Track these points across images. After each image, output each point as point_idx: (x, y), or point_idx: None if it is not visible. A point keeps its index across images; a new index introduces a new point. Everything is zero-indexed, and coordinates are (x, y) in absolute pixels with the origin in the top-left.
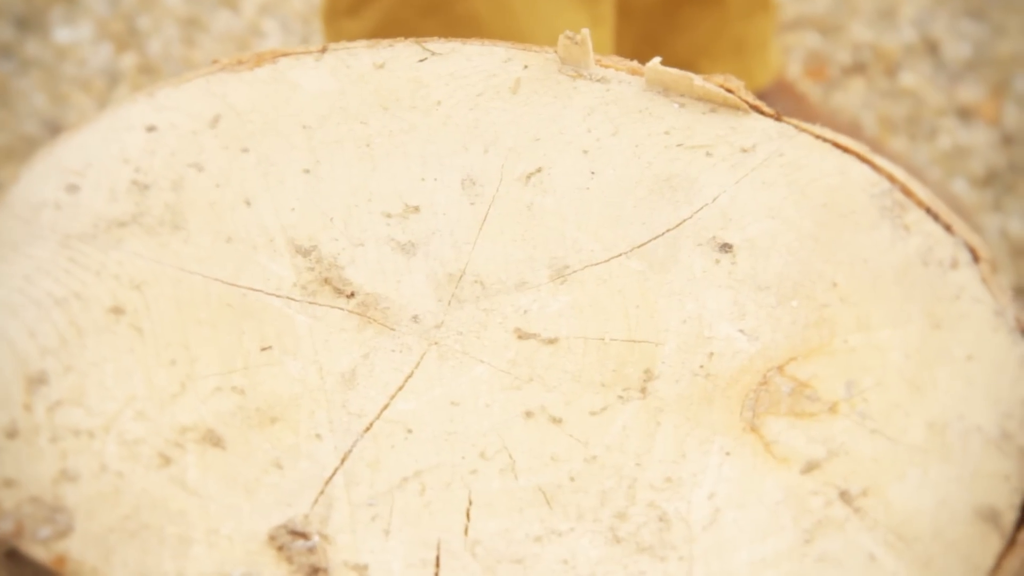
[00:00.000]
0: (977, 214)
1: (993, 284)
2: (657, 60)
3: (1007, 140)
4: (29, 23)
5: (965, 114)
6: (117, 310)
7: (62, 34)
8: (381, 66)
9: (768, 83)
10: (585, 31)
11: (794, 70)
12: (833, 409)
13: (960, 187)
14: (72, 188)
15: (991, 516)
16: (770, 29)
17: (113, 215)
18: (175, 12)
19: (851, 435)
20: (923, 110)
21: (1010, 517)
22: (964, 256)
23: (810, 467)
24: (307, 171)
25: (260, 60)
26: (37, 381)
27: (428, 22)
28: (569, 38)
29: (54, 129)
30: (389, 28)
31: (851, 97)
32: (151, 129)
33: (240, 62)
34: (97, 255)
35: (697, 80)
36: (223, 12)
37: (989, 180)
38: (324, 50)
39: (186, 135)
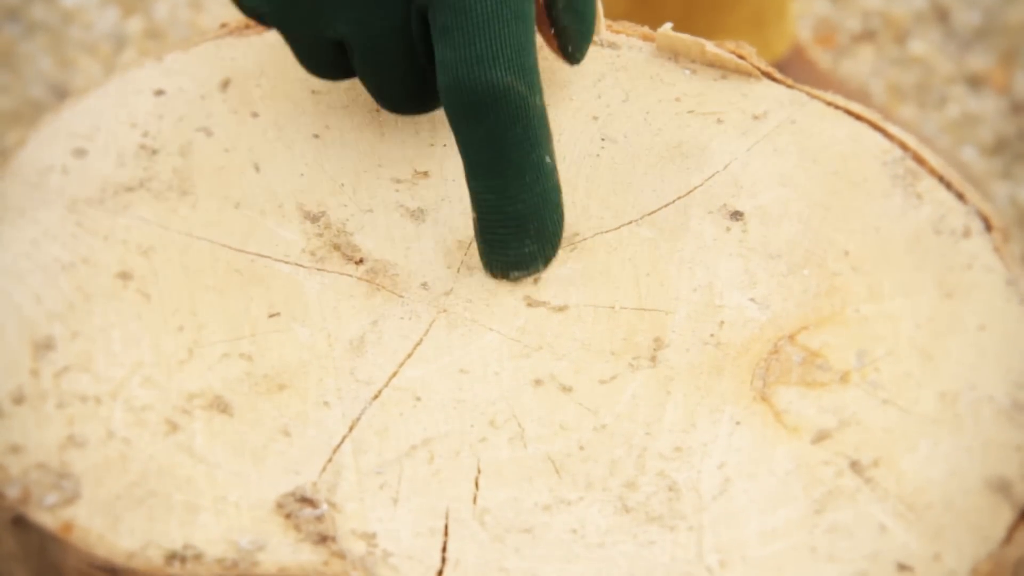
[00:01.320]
0: (987, 182)
1: (1006, 253)
2: (668, 26)
3: (1016, 108)
4: None
5: (975, 82)
6: (125, 275)
7: None
8: None
9: (785, 52)
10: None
11: (804, 37)
12: (844, 379)
13: (969, 155)
14: (80, 152)
15: (1002, 487)
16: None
17: (121, 180)
18: None
19: (862, 405)
20: (932, 78)
21: (1022, 488)
22: (977, 225)
23: (821, 437)
24: (316, 136)
25: (253, 28)
26: (44, 347)
27: None
28: None
29: (60, 93)
30: None
31: (860, 65)
32: (159, 93)
33: (249, 26)
34: (105, 220)
35: (708, 46)
36: None
37: (998, 148)
38: None
39: (195, 99)
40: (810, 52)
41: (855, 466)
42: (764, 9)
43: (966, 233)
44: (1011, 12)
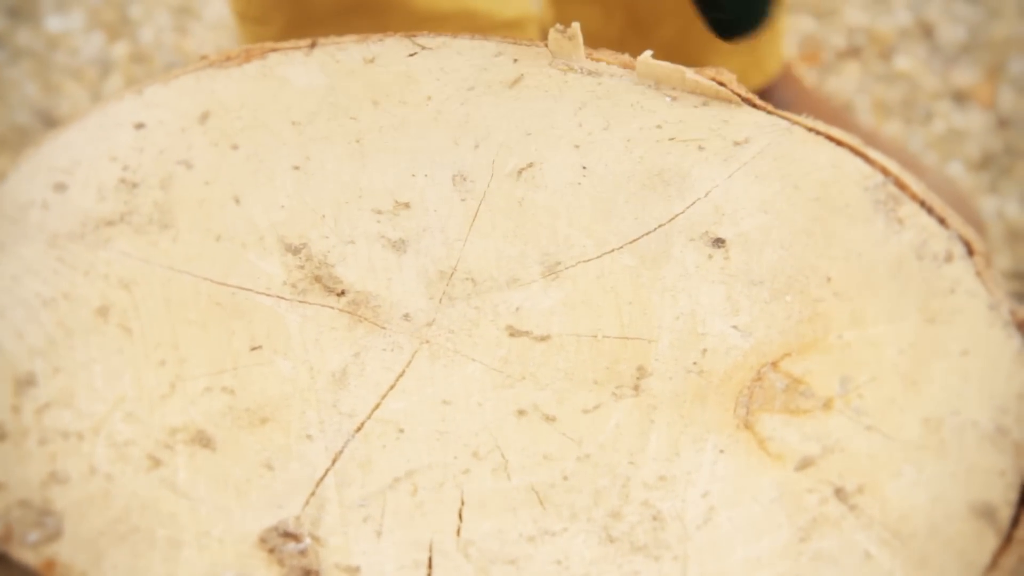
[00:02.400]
0: (973, 197)
1: (988, 278)
2: (648, 53)
3: (1002, 123)
4: (21, 12)
5: (960, 97)
6: (106, 310)
7: (54, 23)
8: (371, 61)
9: (777, 72)
10: (575, 25)
11: (789, 55)
12: (828, 405)
13: (956, 170)
14: (60, 187)
15: (987, 512)
16: (781, 19)
17: (101, 214)
18: (167, 0)
19: (846, 432)
20: (918, 94)
21: (1006, 513)
22: (959, 249)
23: (805, 464)
24: (297, 168)
25: (249, 56)
26: (25, 383)
27: (346, 18)
28: (560, 31)
29: (46, 119)
30: (299, 30)
31: (846, 81)
32: (139, 126)
33: (229, 58)
34: (85, 255)
35: (689, 73)
36: (215, 0)
37: (985, 163)
38: (313, 45)
39: (175, 132)
40: (796, 69)
41: (839, 493)
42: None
43: (948, 258)
44: (996, 27)
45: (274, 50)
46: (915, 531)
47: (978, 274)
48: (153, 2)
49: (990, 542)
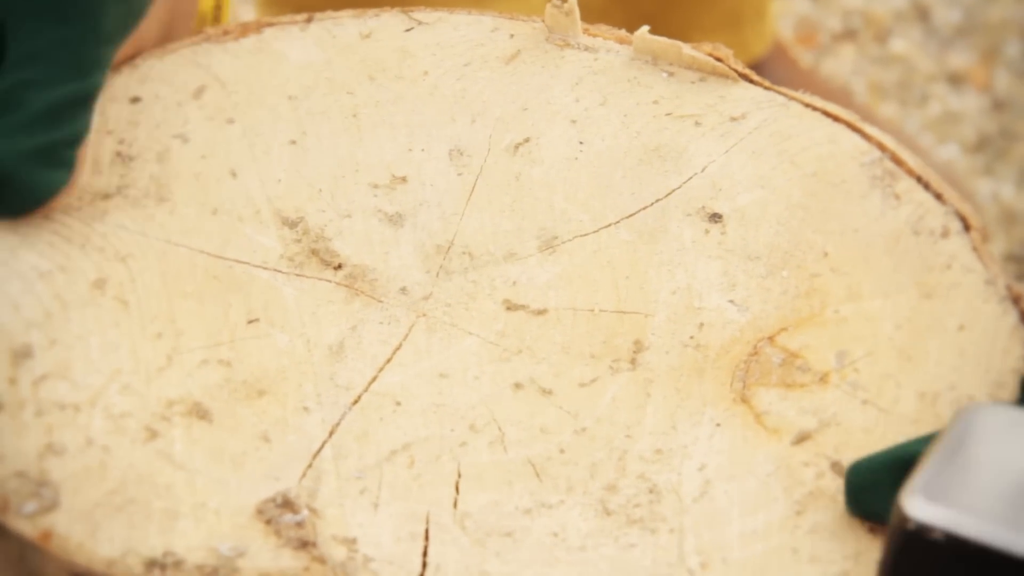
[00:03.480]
0: (968, 180)
1: (984, 253)
2: (645, 29)
3: (998, 106)
4: None
5: (956, 80)
6: (102, 283)
7: None
8: (367, 36)
9: (764, 52)
10: (572, 0)
11: (785, 37)
12: (824, 380)
13: (951, 153)
14: None
15: None
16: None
17: (97, 187)
18: None
19: (842, 406)
20: (914, 76)
21: None
22: (955, 225)
23: (801, 438)
24: (293, 142)
25: (245, 30)
26: (22, 355)
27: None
28: (556, 6)
29: None
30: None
31: (841, 64)
32: (135, 100)
33: (225, 32)
34: (81, 228)
35: (686, 49)
36: None
37: (980, 146)
38: (310, 20)
39: (171, 106)
40: (791, 51)
41: (836, 467)
42: (741, 8)
43: (944, 233)
44: (992, 10)
45: (270, 24)
46: None
47: (974, 249)
48: None
49: None
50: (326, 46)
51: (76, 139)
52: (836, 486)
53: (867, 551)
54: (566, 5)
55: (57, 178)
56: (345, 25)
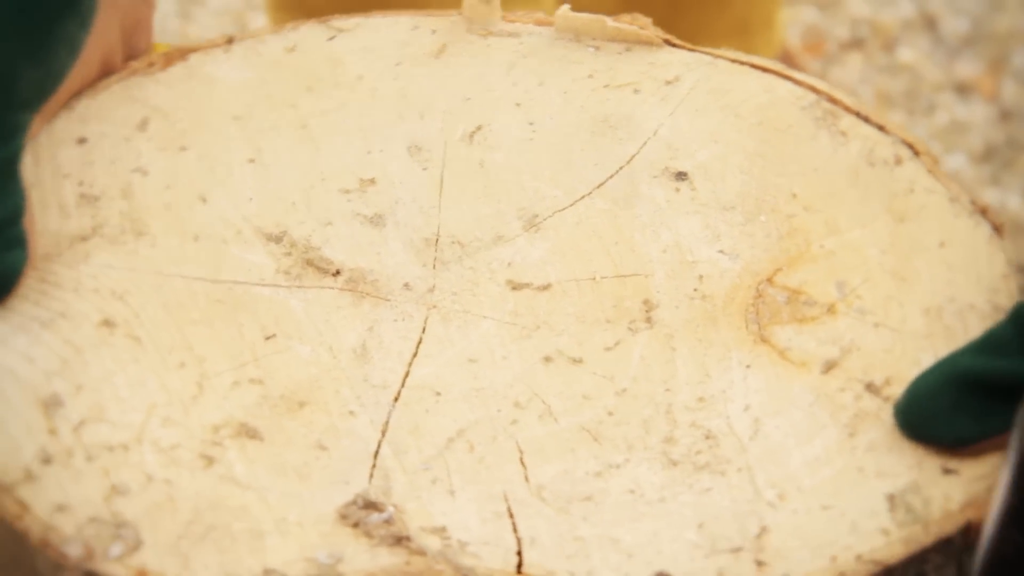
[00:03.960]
0: (976, 189)
1: (940, 175)
2: (566, 7)
3: (1005, 115)
4: None
5: (963, 89)
6: (108, 323)
7: None
8: (292, 49)
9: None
10: None
11: (792, 45)
12: (832, 310)
13: (958, 162)
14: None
15: None
16: (776, 8)
17: (71, 231)
18: None
19: (856, 331)
20: (921, 85)
21: None
22: (904, 152)
23: (829, 366)
24: (252, 160)
25: (170, 59)
26: (52, 404)
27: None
28: None
29: None
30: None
31: (849, 72)
32: (82, 141)
33: (151, 64)
34: (69, 272)
35: (609, 21)
36: None
37: (987, 155)
38: (231, 41)
39: (119, 142)
40: (799, 60)
41: (870, 388)
42: (750, 16)
43: (898, 161)
44: (999, 20)
45: (193, 51)
46: None
47: (930, 172)
48: None
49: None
50: (255, 64)
51: (17, 214)
52: (876, 405)
53: (926, 459)
54: None
55: (13, 260)
56: (267, 42)
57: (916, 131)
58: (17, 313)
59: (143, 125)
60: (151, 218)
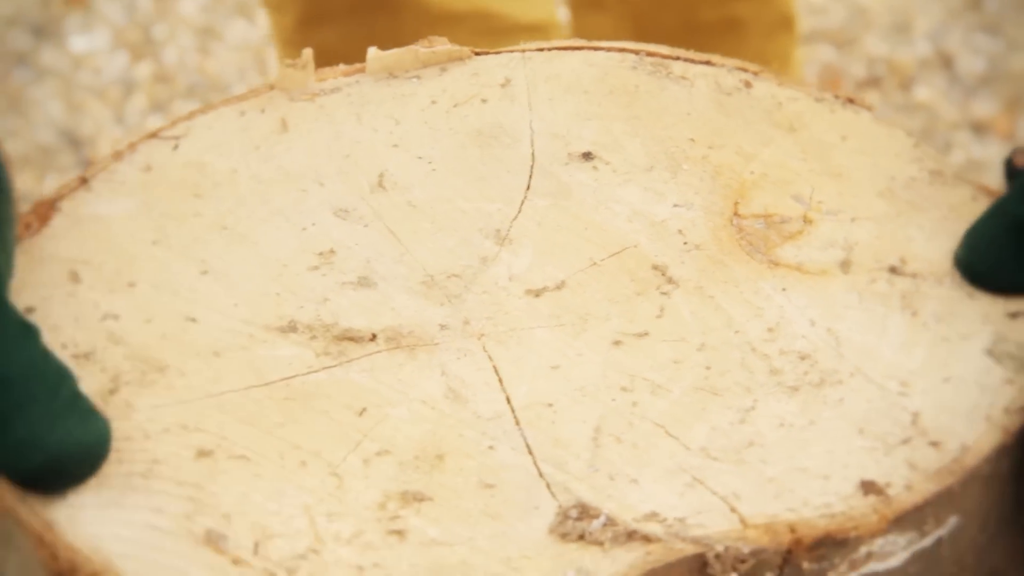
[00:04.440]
0: None
1: (790, 83)
2: (373, 49)
3: None
4: (45, 31)
5: (979, 128)
6: (204, 452)
7: (78, 42)
8: (148, 168)
9: None
10: (307, 51)
11: (809, 84)
12: (807, 219)
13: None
14: None
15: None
16: (792, 45)
17: (93, 389)
18: (190, 21)
19: (842, 229)
20: (937, 124)
21: None
22: (746, 76)
23: (847, 266)
24: (205, 272)
25: (43, 216)
26: (216, 539)
27: (359, 15)
28: (292, 65)
29: (70, 138)
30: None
31: None
32: (30, 311)
33: (28, 226)
34: (127, 425)
35: (420, 50)
36: (238, 21)
37: None
38: (85, 180)
39: (64, 299)
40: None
41: (894, 271)
42: (766, 54)
43: (747, 84)
44: (1015, 59)
45: (56, 200)
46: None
47: (781, 84)
48: (177, 23)
49: None
50: (126, 192)
51: (69, 377)
52: (911, 283)
53: (989, 311)
54: (301, 59)
55: (98, 426)
56: (119, 171)
57: None
58: (112, 476)
59: (75, 278)
60: (159, 352)
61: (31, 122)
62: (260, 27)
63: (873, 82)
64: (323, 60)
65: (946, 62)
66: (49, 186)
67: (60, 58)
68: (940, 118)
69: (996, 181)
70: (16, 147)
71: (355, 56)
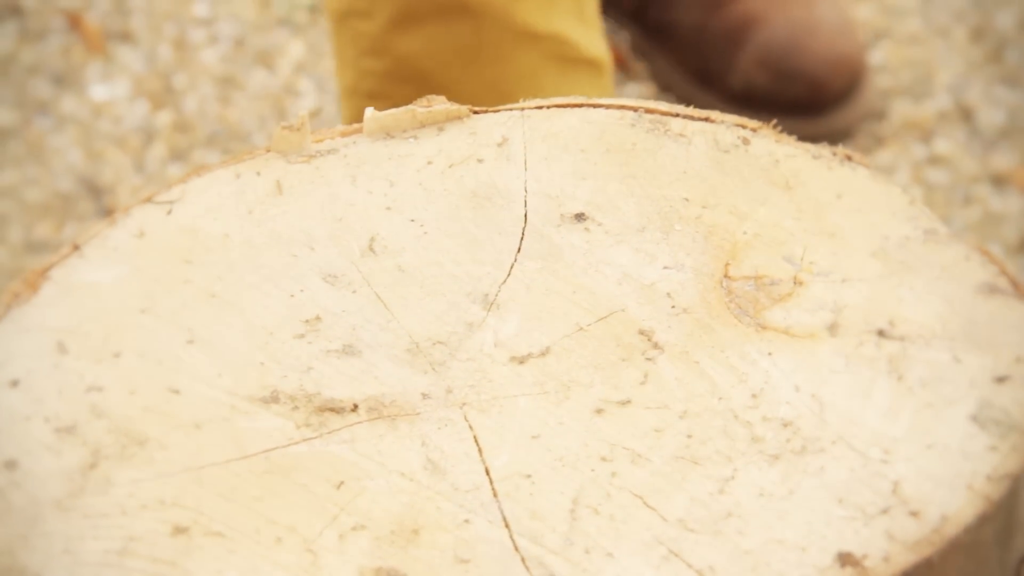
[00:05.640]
0: None
1: (788, 140)
2: (370, 110)
3: None
4: (66, 80)
5: (999, 181)
6: (180, 529)
7: (98, 91)
8: (141, 234)
9: None
10: (303, 113)
11: None
12: (799, 281)
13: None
14: (10, 465)
15: (993, 288)
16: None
17: (73, 464)
18: (211, 70)
19: (832, 291)
20: (957, 177)
21: (1005, 284)
22: (743, 133)
23: (835, 329)
24: (191, 342)
25: (33, 284)
26: None
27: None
28: (288, 127)
29: (89, 186)
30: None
31: (882, 163)
32: (15, 384)
33: (16, 295)
34: (104, 500)
35: (418, 110)
36: (259, 71)
37: (1023, 247)
38: (77, 247)
39: (50, 371)
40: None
41: (882, 334)
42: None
43: (745, 141)
44: None
45: (48, 268)
46: (956, 320)
47: (778, 141)
48: (197, 72)
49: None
50: (118, 259)
51: None
52: (898, 347)
53: (976, 376)
54: (297, 121)
55: None
56: (111, 236)
57: (952, 223)
58: (87, 554)
59: (62, 349)
60: (140, 425)
61: (51, 170)
62: (280, 76)
63: (893, 135)
64: (404, 73)
65: (966, 114)
66: (69, 234)
67: (80, 106)
68: (959, 171)
69: (1015, 234)
70: (36, 195)
71: (435, 71)
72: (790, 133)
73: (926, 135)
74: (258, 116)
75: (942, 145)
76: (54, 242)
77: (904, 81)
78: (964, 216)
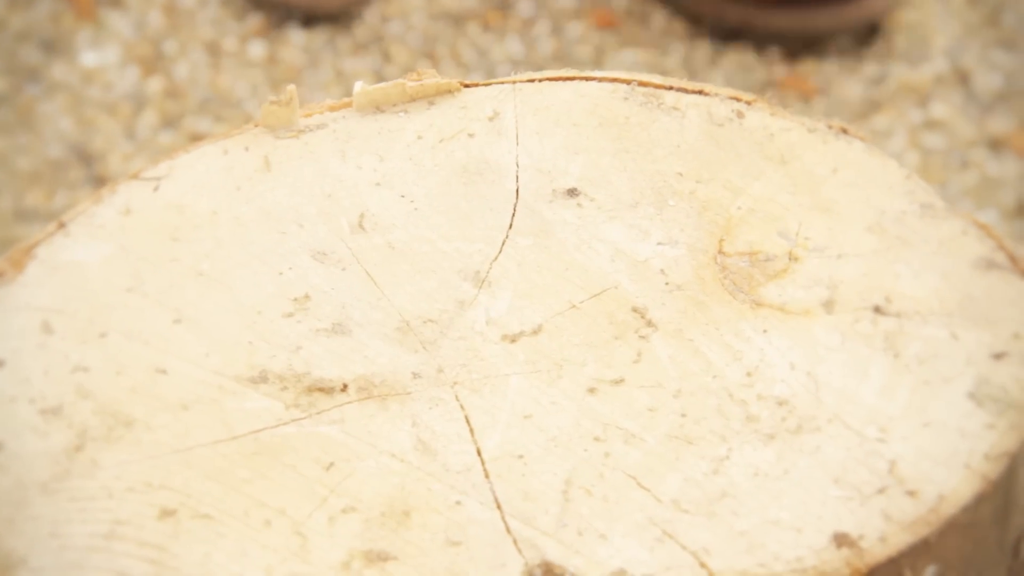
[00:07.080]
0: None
1: (783, 113)
2: (360, 83)
3: None
4: (55, 47)
5: (996, 145)
6: (167, 512)
7: (88, 58)
8: (127, 212)
9: None
10: (291, 87)
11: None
12: (794, 257)
13: (991, 218)
14: None
15: (991, 263)
16: None
17: (58, 446)
18: (202, 37)
19: (828, 267)
20: (954, 141)
21: (1003, 258)
22: (739, 106)
23: (831, 305)
24: (178, 321)
25: (18, 263)
26: None
27: None
28: (276, 102)
29: (80, 153)
30: None
31: (878, 127)
32: (0, 364)
33: (0, 274)
34: (90, 484)
35: (408, 84)
36: (252, 38)
37: (1020, 211)
38: (63, 224)
39: (34, 352)
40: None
41: (878, 310)
42: None
43: (739, 115)
44: None
45: (33, 246)
46: (953, 296)
47: (773, 114)
48: (188, 38)
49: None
50: (104, 237)
51: None
52: (895, 324)
53: (973, 353)
54: (284, 96)
55: None
56: (97, 214)
57: (949, 187)
58: (74, 537)
59: (47, 329)
60: (126, 405)
61: (41, 137)
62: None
63: (889, 100)
64: None
65: (962, 78)
66: (60, 202)
67: (70, 73)
68: (956, 135)
69: (1012, 198)
70: (26, 162)
71: None
72: (803, 23)
73: (923, 99)
74: (250, 83)
75: (939, 109)
76: (45, 210)
77: (900, 45)
78: (961, 180)
